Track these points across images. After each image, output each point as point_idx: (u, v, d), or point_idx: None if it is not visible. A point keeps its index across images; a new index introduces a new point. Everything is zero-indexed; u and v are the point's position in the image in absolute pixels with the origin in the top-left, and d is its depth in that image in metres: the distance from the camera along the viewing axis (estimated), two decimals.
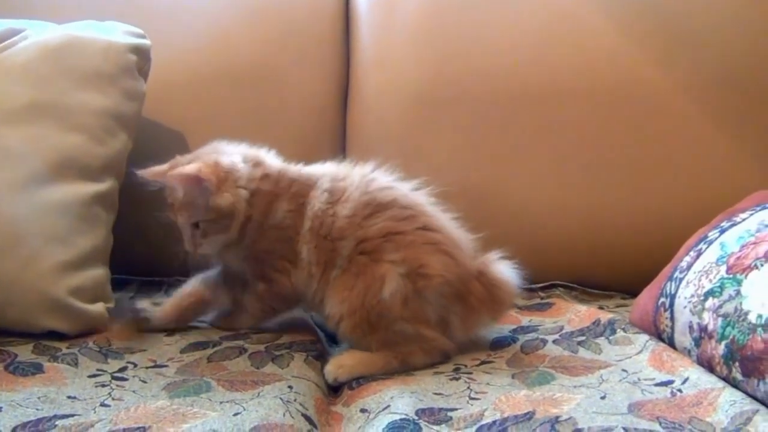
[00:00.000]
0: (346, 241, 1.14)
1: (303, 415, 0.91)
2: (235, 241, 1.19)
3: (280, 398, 0.94)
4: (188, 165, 1.16)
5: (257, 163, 1.21)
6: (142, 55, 1.40)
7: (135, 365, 1.08)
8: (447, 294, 1.13)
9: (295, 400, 0.94)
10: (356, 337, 1.13)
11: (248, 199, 1.17)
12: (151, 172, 1.18)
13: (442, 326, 1.13)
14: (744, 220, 1.13)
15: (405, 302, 1.10)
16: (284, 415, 0.89)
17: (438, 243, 1.14)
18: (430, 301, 1.12)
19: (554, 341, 1.18)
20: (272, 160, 1.24)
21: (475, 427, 0.89)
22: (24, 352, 1.10)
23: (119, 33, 1.39)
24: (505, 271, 1.17)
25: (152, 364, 1.09)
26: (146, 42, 1.42)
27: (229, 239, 1.18)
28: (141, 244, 1.46)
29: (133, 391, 0.99)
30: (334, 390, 1.08)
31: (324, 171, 1.23)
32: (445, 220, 1.19)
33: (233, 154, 1.20)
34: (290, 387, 0.97)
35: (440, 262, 1.12)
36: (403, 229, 1.14)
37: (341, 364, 1.10)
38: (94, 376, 1.04)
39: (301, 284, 1.19)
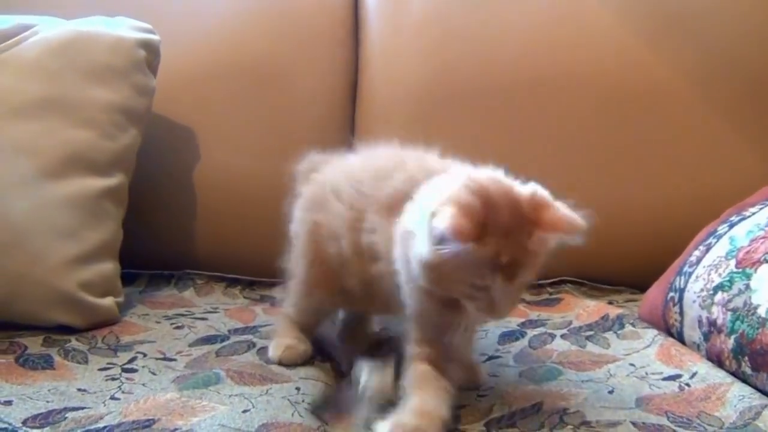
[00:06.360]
0: None
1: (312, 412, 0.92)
2: None
3: (288, 399, 0.94)
4: (562, 211, 0.89)
5: None
6: (151, 50, 1.41)
7: (144, 355, 1.09)
8: None
9: (303, 401, 0.94)
10: None
11: None
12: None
13: None
14: (753, 214, 1.13)
15: None
16: (293, 415, 0.90)
17: None
18: None
19: (562, 336, 1.18)
20: None
21: (483, 422, 0.89)
22: (34, 345, 1.11)
23: (128, 28, 1.39)
24: None
25: (161, 356, 1.10)
26: (155, 37, 1.42)
27: None
28: (150, 238, 1.47)
29: (143, 384, 0.99)
30: None
31: None
32: None
33: None
34: (297, 389, 0.98)
35: None
36: None
37: None
38: (104, 369, 1.04)
39: None
